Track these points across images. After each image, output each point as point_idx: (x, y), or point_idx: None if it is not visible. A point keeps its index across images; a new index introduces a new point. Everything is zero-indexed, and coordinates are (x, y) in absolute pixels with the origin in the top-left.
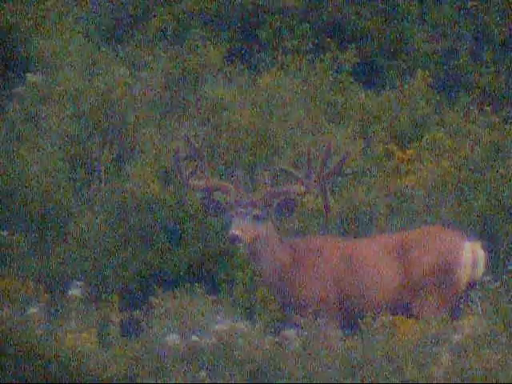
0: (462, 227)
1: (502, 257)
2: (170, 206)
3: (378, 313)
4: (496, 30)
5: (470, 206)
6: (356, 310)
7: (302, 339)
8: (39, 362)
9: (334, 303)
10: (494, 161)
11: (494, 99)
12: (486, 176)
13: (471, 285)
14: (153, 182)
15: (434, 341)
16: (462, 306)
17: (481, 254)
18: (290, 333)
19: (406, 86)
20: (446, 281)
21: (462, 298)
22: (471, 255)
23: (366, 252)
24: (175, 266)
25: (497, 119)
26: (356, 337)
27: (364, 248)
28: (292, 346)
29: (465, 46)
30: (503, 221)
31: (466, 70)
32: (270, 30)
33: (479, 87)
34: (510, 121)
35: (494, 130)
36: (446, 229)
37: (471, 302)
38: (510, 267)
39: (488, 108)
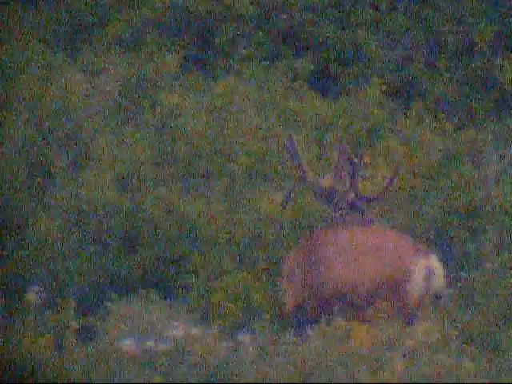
0: (416, 233)
1: (455, 263)
2: (126, 212)
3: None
4: (449, 38)
5: (424, 212)
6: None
7: (256, 344)
8: None
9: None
10: (447, 168)
11: (447, 106)
12: (439, 183)
13: (436, 296)
14: (109, 188)
15: (387, 346)
16: (415, 312)
17: (436, 268)
18: (245, 338)
19: (361, 94)
20: (396, 293)
21: (419, 307)
22: (423, 272)
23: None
24: (131, 271)
25: (450, 126)
26: (310, 341)
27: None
28: (247, 351)
29: (419, 54)
30: (457, 227)
31: (420, 78)
32: (226, 38)
33: (433, 95)
34: (462, 128)
35: (447, 137)
36: (403, 240)
37: (425, 307)
38: (463, 274)
39: (441, 115)
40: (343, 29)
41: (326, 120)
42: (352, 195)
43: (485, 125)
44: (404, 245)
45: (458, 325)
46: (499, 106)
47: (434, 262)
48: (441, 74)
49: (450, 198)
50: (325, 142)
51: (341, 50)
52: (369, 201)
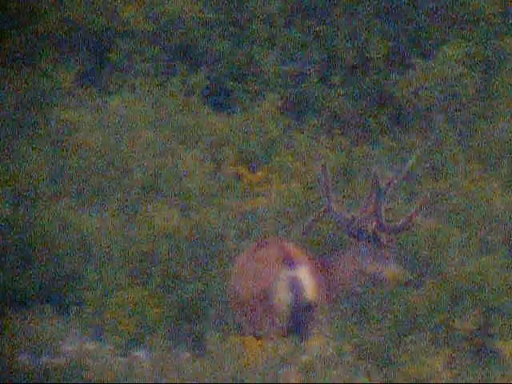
0: (310, 249)
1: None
2: (21, 226)
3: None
4: (344, 54)
5: (319, 227)
6: None
7: (152, 360)
8: None
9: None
10: (342, 183)
11: (342, 122)
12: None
13: (307, 309)
14: (2, 202)
15: (282, 362)
16: (309, 327)
17: (301, 280)
18: (141, 353)
19: (256, 109)
20: (264, 305)
21: (306, 320)
22: (288, 283)
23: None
24: (25, 286)
25: (345, 141)
26: (205, 357)
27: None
28: (142, 366)
29: (313, 70)
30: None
31: (315, 93)
32: (121, 53)
33: (328, 110)
34: (356, 144)
35: (341, 152)
36: (275, 250)
37: (319, 323)
38: (356, 288)
39: (336, 131)
40: (238, 44)
41: (221, 135)
42: (373, 225)
43: (379, 140)
44: (276, 256)
45: (352, 340)
46: (394, 122)
47: (301, 274)
48: (336, 90)
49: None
50: (220, 158)
51: (236, 66)
52: (393, 232)
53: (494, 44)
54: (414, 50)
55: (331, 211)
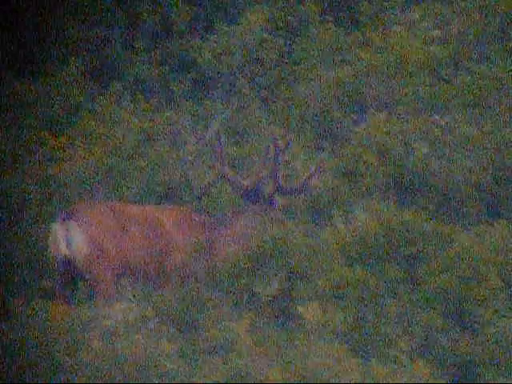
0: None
1: None
2: None
3: None
4: (147, 18)
5: (122, 194)
6: None
7: None
8: None
9: None
10: (145, 148)
11: (145, 87)
12: (137, 163)
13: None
14: None
15: (85, 326)
16: (112, 291)
17: (71, 232)
18: None
19: (60, 74)
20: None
21: (108, 283)
22: (57, 234)
23: None
24: None
25: (148, 107)
26: (10, 320)
27: None
28: None
29: (117, 35)
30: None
31: (119, 58)
32: None
33: (131, 75)
34: (160, 109)
35: (144, 118)
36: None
37: (122, 287)
38: None
39: (140, 96)
40: (42, 10)
41: (25, 101)
42: (271, 187)
43: (183, 106)
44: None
45: (155, 305)
46: (197, 87)
47: (71, 228)
48: (139, 55)
49: (149, 179)
50: (24, 123)
51: (40, 29)
52: (290, 193)
53: (295, 9)
54: (218, 14)
55: (226, 176)
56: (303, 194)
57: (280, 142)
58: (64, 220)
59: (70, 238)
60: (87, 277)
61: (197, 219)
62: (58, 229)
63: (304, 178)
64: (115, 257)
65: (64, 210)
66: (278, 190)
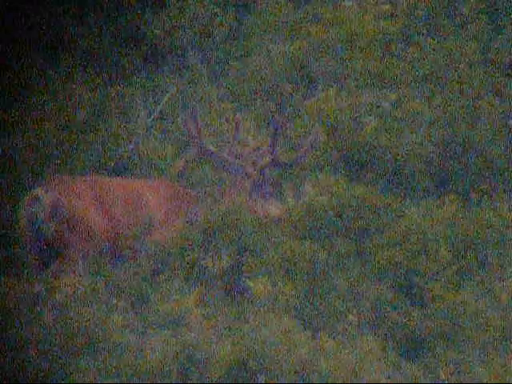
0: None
1: None
2: None
3: None
4: None
5: (74, 168)
6: None
7: None
8: None
9: None
10: (96, 122)
11: (96, 61)
12: (88, 137)
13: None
14: None
15: (35, 300)
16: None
17: (36, 199)
18: None
19: (10, 48)
20: None
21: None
22: (28, 202)
23: None
24: None
25: (99, 80)
26: None
27: None
28: None
29: (68, 7)
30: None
31: (69, 32)
32: None
33: (82, 49)
34: (111, 83)
35: (96, 91)
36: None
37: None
38: None
39: (91, 70)
40: None
41: None
42: (265, 160)
43: (134, 80)
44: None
45: (106, 278)
46: (148, 62)
47: (38, 193)
48: (90, 28)
49: (101, 153)
50: None
51: None
52: (284, 166)
53: None
54: None
55: (207, 151)
56: (294, 167)
57: (279, 117)
58: (45, 192)
59: (49, 210)
60: (57, 244)
61: (183, 194)
62: (38, 199)
63: (302, 151)
64: (91, 230)
65: (42, 182)
66: (274, 163)
